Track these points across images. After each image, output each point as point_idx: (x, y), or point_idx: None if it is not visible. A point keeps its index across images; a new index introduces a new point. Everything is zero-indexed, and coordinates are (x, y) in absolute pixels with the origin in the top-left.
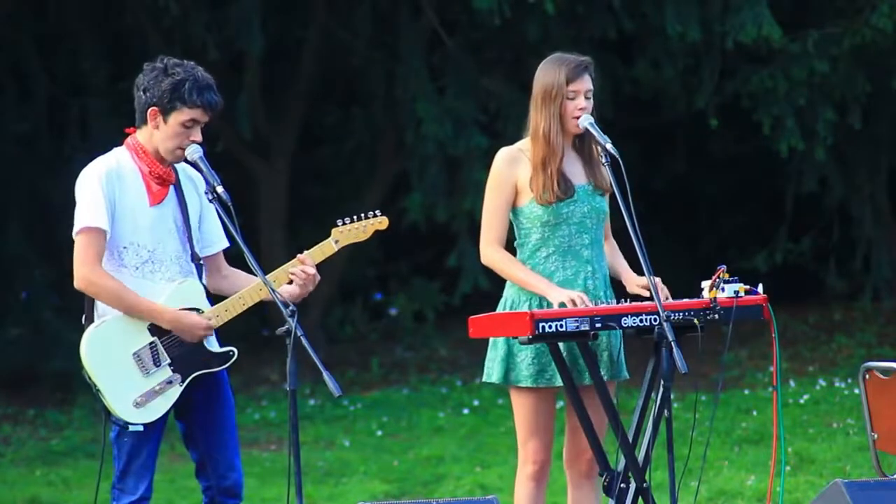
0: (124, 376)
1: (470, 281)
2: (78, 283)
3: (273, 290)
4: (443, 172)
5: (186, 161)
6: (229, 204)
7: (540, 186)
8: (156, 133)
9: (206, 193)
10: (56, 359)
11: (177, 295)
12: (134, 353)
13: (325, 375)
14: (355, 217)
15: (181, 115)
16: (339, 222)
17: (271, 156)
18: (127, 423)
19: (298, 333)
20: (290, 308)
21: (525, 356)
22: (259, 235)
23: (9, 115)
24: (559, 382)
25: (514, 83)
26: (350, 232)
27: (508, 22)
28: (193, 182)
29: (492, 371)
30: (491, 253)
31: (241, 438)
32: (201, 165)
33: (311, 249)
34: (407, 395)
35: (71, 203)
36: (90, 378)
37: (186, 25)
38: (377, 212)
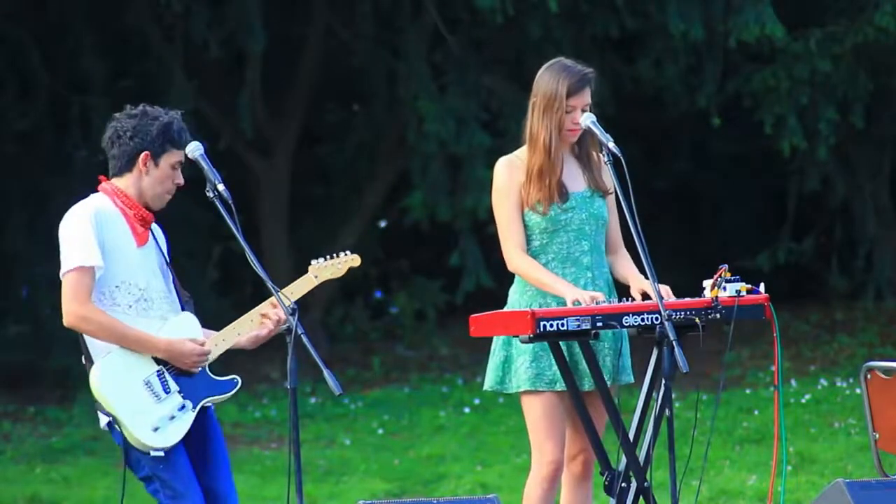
0: (139, 403)
1: (472, 279)
2: (69, 320)
3: (274, 289)
4: (444, 171)
5: (187, 159)
6: (230, 202)
7: (534, 197)
8: (145, 178)
9: (207, 191)
10: (56, 356)
11: (172, 328)
12: (144, 381)
13: (326, 374)
14: (328, 256)
15: (172, 157)
16: (314, 262)
17: (272, 154)
18: (148, 450)
19: (299, 331)
20: (291, 306)
21: (524, 360)
22: (260, 234)
23: (10, 112)
24: (560, 387)
25: (516, 81)
26: (327, 268)
27: (511, 20)
28: (154, 232)
29: (487, 378)
30: (517, 260)
31: (242, 436)
32: (202, 163)
33: (294, 283)
34: (408, 393)
35: (71, 199)
36: (107, 410)
37: (188, 23)
38: (348, 252)
